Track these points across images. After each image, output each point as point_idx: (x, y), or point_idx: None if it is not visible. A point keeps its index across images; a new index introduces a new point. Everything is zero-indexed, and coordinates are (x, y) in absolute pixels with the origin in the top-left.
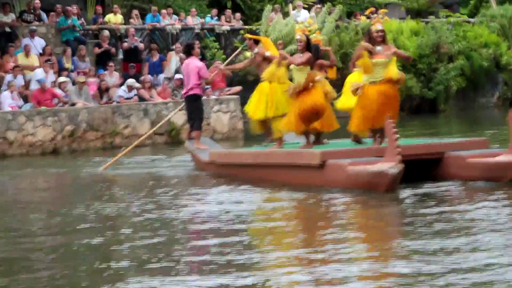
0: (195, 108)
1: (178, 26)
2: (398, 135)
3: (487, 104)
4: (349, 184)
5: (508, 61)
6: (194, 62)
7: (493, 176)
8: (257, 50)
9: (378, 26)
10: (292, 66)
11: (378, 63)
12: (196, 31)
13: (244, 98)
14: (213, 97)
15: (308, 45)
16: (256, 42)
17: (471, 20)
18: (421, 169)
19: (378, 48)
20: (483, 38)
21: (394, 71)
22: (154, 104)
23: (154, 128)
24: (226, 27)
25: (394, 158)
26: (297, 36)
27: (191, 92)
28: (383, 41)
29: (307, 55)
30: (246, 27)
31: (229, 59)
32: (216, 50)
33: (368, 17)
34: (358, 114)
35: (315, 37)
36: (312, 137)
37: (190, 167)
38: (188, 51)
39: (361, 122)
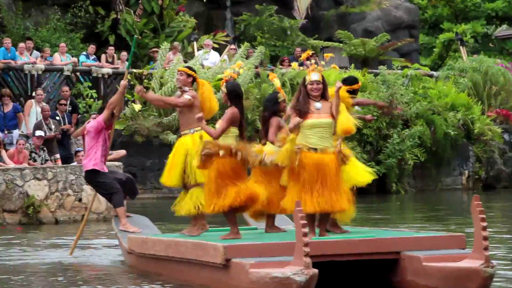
0: (99, 187)
1: (41, 65)
2: (307, 230)
3: (453, 185)
4: None
5: (481, 130)
6: (91, 123)
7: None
8: (187, 93)
9: (314, 76)
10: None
11: (317, 124)
12: (66, 73)
13: (129, 165)
14: None
15: (232, 97)
16: (192, 79)
17: (435, 74)
18: (374, 272)
19: (317, 104)
20: (450, 99)
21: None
22: (3, 171)
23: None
24: (107, 69)
25: (302, 261)
26: (223, 88)
27: (85, 167)
28: (323, 96)
29: (231, 110)
30: (134, 70)
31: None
32: (92, 100)
33: (301, 64)
34: (293, 190)
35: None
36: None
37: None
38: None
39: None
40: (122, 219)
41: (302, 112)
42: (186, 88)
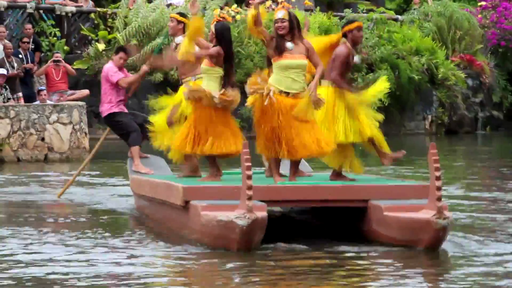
0: (116, 127)
1: (4, 2)
2: (251, 173)
3: (416, 130)
4: (204, 236)
5: (445, 75)
6: (104, 67)
7: (407, 239)
8: (180, 39)
9: (278, 14)
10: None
11: (290, 65)
12: (29, 10)
13: (92, 105)
14: (50, 102)
15: (221, 37)
16: (182, 26)
17: (399, 17)
18: (343, 220)
19: (289, 44)
20: (414, 43)
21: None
22: None
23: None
24: (71, 8)
25: (245, 204)
26: (212, 27)
27: (103, 114)
28: (290, 35)
29: (216, 48)
30: (98, 9)
31: None
32: (55, 38)
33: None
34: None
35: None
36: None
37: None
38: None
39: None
40: (135, 159)
41: (278, 49)
42: (180, 37)
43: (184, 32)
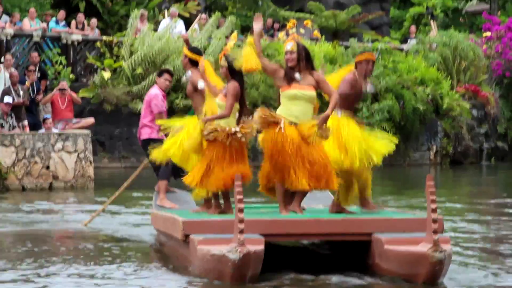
0: (150, 154)
1: (10, 30)
2: (243, 206)
3: (421, 160)
4: (202, 269)
5: (450, 105)
6: (150, 92)
7: (406, 273)
8: (189, 74)
9: (287, 46)
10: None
11: (297, 95)
12: (35, 39)
13: (97, 133)
14: (55, 131)
15: (233, 71)
16: (194, 62)
17: (404, 47)
18: (351, 250)
19: (297, 75)
20: (419, 73)
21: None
22: None
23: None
24: (77, 36)
25: (237, 237)
26: (223, 62)
27: (141, 136)
28: (298, 66)
29: (233, 85)
30: (104, 38)
31: None
32: (61, 66)
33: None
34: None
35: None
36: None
37: None
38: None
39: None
40: (161, 193)
41: (286, 79)
42: (189, 72)
43: (192, 66)
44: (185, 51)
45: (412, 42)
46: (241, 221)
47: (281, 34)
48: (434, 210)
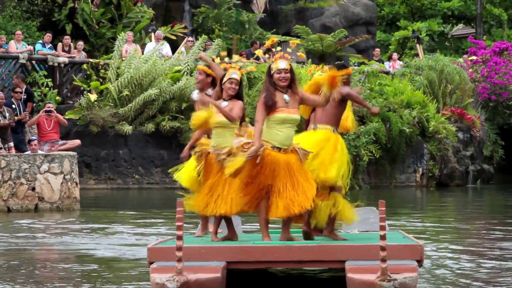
0: None
1: None
2: (181, 233)
3: (407, 182)
4: None
5: (436, 128)
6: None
7: None
8: (195, 93)
9: (281, 64)
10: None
11: (287, 119)
12: (22, 61)
13: (83, 155)
14: (41, 152)
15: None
16: (211, 79)
17: (391, 71)
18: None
19: (285, 97)
20: (405, 96)
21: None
22: None
23: None
24: (64, 58)
25: (174, 267)
26: (233, 75)
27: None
28: (290, 86)
29: (239, 105)
30: (91, 60)
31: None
32: (47, 89)
33: (266, 51)
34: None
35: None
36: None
37: None
38: None
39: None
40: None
41: (268, 105)
42: (195, 92)
43: (211, 85)
44: (207, 69)
45: (386, 64)
46: (179, 249)
47: (259, 52)
48: (382, 237)
